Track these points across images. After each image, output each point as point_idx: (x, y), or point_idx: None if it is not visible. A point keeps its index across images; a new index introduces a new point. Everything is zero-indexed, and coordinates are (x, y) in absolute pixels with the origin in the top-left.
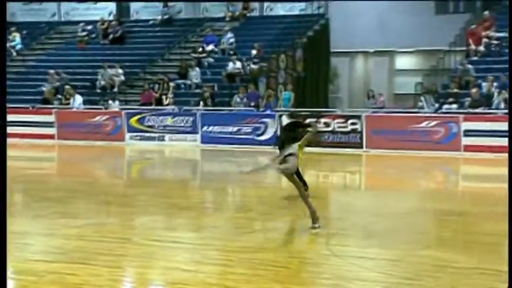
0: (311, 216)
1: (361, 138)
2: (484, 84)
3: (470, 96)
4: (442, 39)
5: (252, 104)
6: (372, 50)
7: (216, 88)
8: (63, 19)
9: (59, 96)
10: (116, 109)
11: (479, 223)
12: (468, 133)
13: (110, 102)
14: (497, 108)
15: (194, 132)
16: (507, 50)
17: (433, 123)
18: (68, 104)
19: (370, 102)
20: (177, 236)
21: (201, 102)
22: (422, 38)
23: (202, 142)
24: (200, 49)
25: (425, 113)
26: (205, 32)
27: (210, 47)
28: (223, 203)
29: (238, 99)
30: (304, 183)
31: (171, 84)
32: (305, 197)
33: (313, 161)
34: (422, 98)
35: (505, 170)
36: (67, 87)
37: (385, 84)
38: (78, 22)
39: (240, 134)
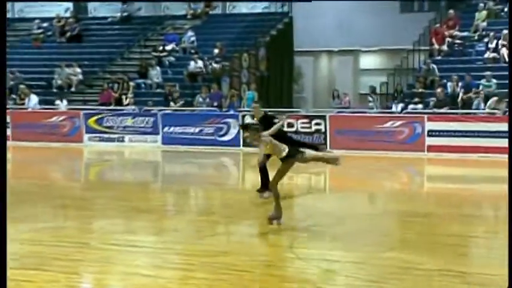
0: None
1: (325, 138)
2: (449, 84)
3: (435, 96)
4: (406, 38)
5: (215, 104)
6: (336, 49)
7: (177, 87)
8: (17, 16)
9: (13, 96)
10: (63, 109)
11: (443, 225)
12: (432, 133)
13: (58, 102)
14: (477, 109)
15: (155, 133)
16: (470, 50)
17: (398, 123)
18: (23, 104)
19: (335, 102)
20: (137, 240)
21: (172, 103)
22: (386, 37)
23: (163, 143)
24: (161, 48)
25: (390, 113)
26: (166, 30)
27: (171, 46)
28: (185, 205)
29: (200, 99)
30: (265, 185)
31: (131, 83)
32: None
33: (277, 162)
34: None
35: (468, 171)
36: (22, 86)
37: (350, 83)
38: (33, 19)
39: (202, 135)
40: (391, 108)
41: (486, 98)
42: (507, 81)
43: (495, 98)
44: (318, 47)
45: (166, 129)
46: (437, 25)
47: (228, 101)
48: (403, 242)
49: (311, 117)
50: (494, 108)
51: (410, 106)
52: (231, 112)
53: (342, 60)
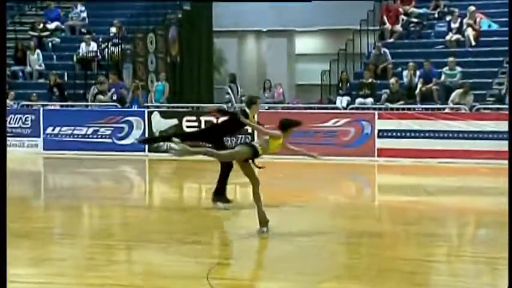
0: (259, 220)
1: (252, 140)
2: (404, 73)
3: (388, 87)
4: (351, 16)
5: (114, 97)
6: (265, 29)
7: (65, 77)
8: None
9: None
10: None
11: (397, 246)
12: (383, 134)
13: (228, 89)
14: (458, 103)
15: (34, 135)
16: (430, 31)
17: (342, 121)
18: None
19: (266, 95)
20: (12, 274)
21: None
22: (327, 16)
23: (46, 148)
24: (41, 26)
25: (333, 108)
26: (47, 4)
27: (54, 24)
28: (74, 227)
29: (96, 92)
30: (220, 191)
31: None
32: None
33: (187, 169)
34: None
35: (427, 180)
36: None
37: (284, 72)
38: None
39: (96, 137)
40: (334, 102)
41: (448, 90)
42: (473, 70)
43: (459, 91)
44: (243, 26)
45: (49, 130)
46: (389, 0)
47: (130, 95)
48: (347, 269)
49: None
50: (458, 103)
51: (358, 100)
52: (134, 109)
53: (274, 43)
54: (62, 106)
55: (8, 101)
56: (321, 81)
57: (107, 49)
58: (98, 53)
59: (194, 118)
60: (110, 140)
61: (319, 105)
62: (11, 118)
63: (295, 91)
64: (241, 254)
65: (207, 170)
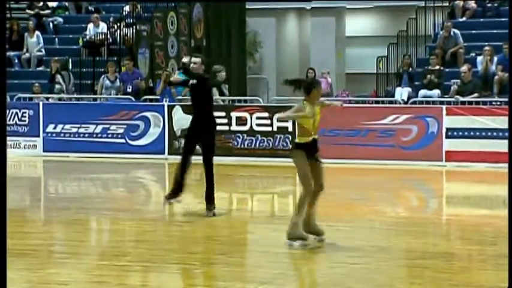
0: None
1: (292, 141)
2: (479, 59)
3: (459, 77)
4: None
5: (129, 89)
6: (309, 7)
7: (70, 64)
8: None
9: None
10: None
11: (469, 270)
12: (453, 133)
13: (59, 79)
14: None
15: (33, 134)
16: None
17: (402, 118)
18: None
19: None
20: None
21: (58, 86)
22: None
23: (46, 149)
24: (41, 3)
25: (390, 102)
26: None
27: (56, 2)
28: (81, 244)
29: (107, 82)
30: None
31: None
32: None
33: (222, 176)
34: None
35: (506, 189)
36: None
37: (332, 58)
38: None
39: (107, 137)
40: (392, 95)
41: None
42: None
43: None
44: (283, 2)
45: (50, 128)
46: None
47: (161, 85)
48: None
49: (273, 110)
50: None
51: (422, 92)
52: (167, 101)
53: (320, 24)
54: (65, 99)
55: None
56: (377, 70)
57: (119, 31)
58: (109, 36)
59: (223, 114)
60: (122, 140)
61: (374, 99)
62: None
63: (345, 81)
64: (280, 277)
65: (237, 176)
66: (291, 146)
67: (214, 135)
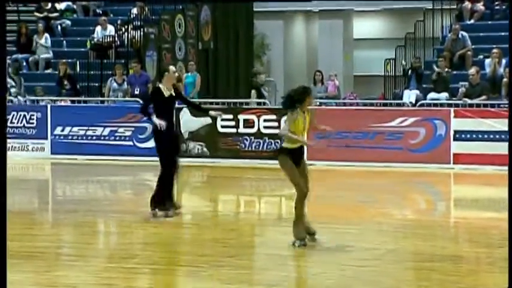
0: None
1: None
2: (487, 61)
3: (466, 79)
4: None
5: (137, 92)
6: (316, 9)
7: (77, 67)
8: None
9: None
10: None
11: (476, 273)
12: (461, 135)
13: (12, 83)
14: None
15: (40, 136)
16: None
17: (410, 120)
18: None
19: (318, 89)
20: None
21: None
22: None
23: (54, 152)
24: (49, 6)
25: (398, 105)
26: None
27: (65, 4)
28: (89, 246)
29: (114, 85)
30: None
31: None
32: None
33: (229, 178)
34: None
35: None
36: None
37: (339, 61)
38: None
39: (114, 139)
40: (400, 98)
41: None
42: None
43: None
44: (291, 5)
45: (58, 130)
46: None
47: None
48: None
49: (280, 113)
50: None
51: (430, 95)
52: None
53: (327, 26)
54: (73, 102)
55: (8, 96)
56: (384, 72)
57: (126, 33)
58: (116, 38)
59: (231, 117)
60: (130, 143)
61: (381, 101)
62: (13, 116)
63: (352, 84)
64: (287, 280)
65: (244, 178)
66: (276, 149)
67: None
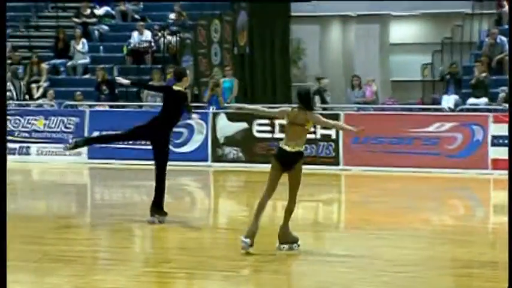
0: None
1: (336, 150)
2: None
3: (506, 85)
4: None
5: None
6: (353, 14)
7: (114, 72)
8: None
9: None
10: None
11: None
12: (500, 141)
13: (10, 86)
14: None
15: None
16: None
17: (447, 125)
18: None
19: (355, 94)
20: None
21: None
22: None
23: (91, 157)
24: (88, 11)
25: (436, 110)
26: None
27: (104, 9)
28: (125, 250)
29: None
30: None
31: (44, 65)
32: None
33: (257, 183)
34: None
35: None
36: None
37: (376, 66)
38: None
39: (150, 144)
40: (438, 103)
41: None
42: None
43: None
44: (327, 10)
45: (96, 135)
46: None
47: (208, 93)
48: None
49: None
50: None
51: (470, 100)
52: (213, 109)
53: (364, 31)
54: (111, 107)
55: (47, 101)
56: (422, 77)
57: (163, 38)
58: (153, 44)
59: (267, 121)
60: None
61: (419, 106)
62: (51, 121)
63: (390, 89)
64: (324, 285)
65: (280, 183)
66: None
67: None
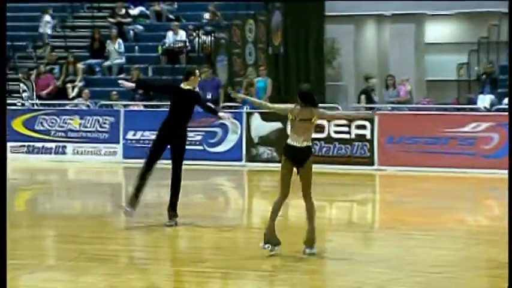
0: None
1: (371, 149)
2: None
3: None
4: None
5: (209, 96)
6: (388, 13)
7: (149, 72)
8: None
9: None
10: None
11: None
12: None
13: (24, 87)
14: None
15: (113, 140)
16: None
17: (483, 126)
18: None
19: (390, 93)
20: None
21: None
22: None
23: (126, 156)
24: (123, 11)
25: (472, 110)
26: None
27: (138, 9)
28: (161, 250)
29: None
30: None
31: (79, 65)
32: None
33: (299, 183)
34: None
35: None
36: None
37: (411, 65)
38: None
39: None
40: (474, 103)
41: None
42: None
43: None
44: (362, 9)
45: (130, 134)
46: None
47: (242, 93)
48: None
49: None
50: None
51: (506, 100)
52: (247, 109)
53: (399, 30)
54: (145, 106)
55: (82, 101)
56: (458, 77)
57: (197, 38)
58: (187, 43)
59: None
60: (200, 147)
61: (455, 106)
62: (86, 121)
63: (425, 88)
64: (359, 286)
65: (315, 183)
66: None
67: None
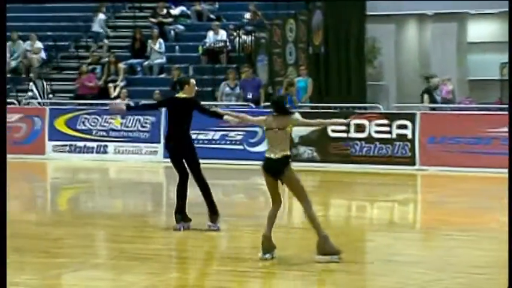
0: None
1: (412, 149)
2: None
3: None
4: None
5: (249, 96)
6: (430, 13)
7: (190, 71)
8: None
9: None
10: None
11: None
12: None
13: (32, 87)
14: None
15: (154, 140)
16: None
17: None
18: None
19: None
20: None
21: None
22: None
23: (166, 156)
24: (164, 11)
25: None
26: None
27: (179, 9)
28: (200, 250)
29: (227, 89)
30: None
31: (121, 65)
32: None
33: (340, 183)
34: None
35: None
36: None
37: (453, 65)
38: None
39: (225, 143)
40: None
41: None
42: None
43: None
44: (403, 8)
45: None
46: None
47: (282, 92)
48: None
49: (392, 117)
50: None
51: None
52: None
53: (441, 30)
54: None
55: (120, 100)
56: (501, 76)
57: (238, 38)
58: (228, 43)
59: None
60: (241, 147)
61: (497, 106)
62: (128, 120)
63: (467, 88)
64: (401, 286)
65: (355, 183)
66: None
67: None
